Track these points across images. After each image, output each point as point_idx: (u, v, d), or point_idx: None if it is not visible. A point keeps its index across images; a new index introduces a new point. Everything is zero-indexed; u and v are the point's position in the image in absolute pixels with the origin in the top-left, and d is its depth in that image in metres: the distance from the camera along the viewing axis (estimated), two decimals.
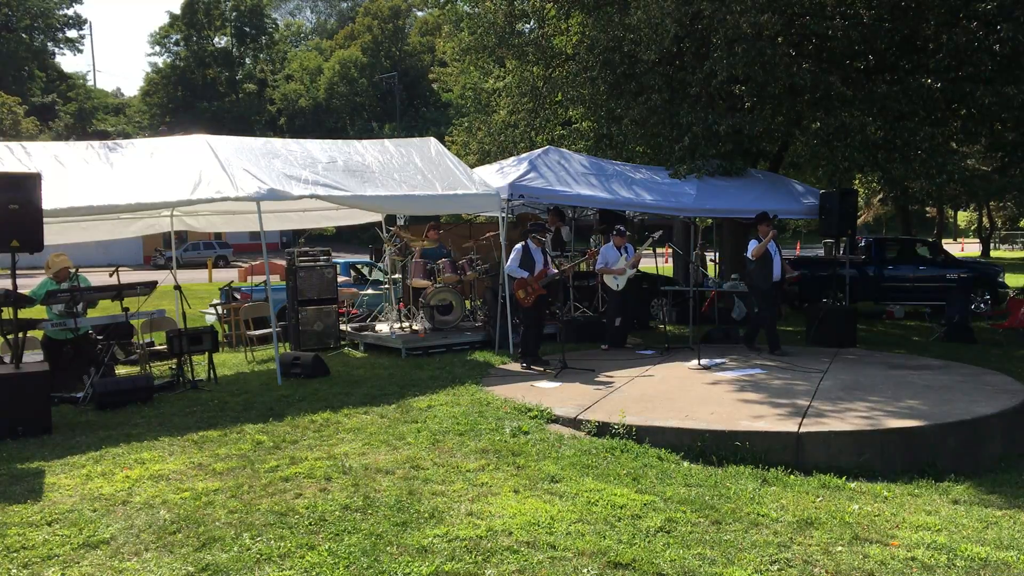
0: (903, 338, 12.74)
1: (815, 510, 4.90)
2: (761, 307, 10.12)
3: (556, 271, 9.56)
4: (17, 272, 7.12)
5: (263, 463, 5.60)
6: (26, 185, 6.80)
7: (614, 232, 10.54)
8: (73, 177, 8.29)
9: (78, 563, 4.00)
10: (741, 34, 10.79)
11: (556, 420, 6.83)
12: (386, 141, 11.41)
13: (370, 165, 10.29)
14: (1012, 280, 19.23)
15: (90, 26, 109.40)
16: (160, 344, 9.72)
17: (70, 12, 68.73)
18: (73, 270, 8.72)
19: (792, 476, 5.72)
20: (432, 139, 11.75)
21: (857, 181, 22.59)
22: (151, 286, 8.53)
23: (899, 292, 15.67)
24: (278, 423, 6.75)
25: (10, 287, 7.02)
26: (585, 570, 3.91)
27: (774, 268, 9.80)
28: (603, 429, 6.48)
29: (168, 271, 10.59)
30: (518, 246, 9.36)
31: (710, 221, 16.56)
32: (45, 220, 6.98)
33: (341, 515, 4.59)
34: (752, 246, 9.85)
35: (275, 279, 13.97)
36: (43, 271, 8.57)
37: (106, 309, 9.45)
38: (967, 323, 12.35)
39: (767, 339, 9.93)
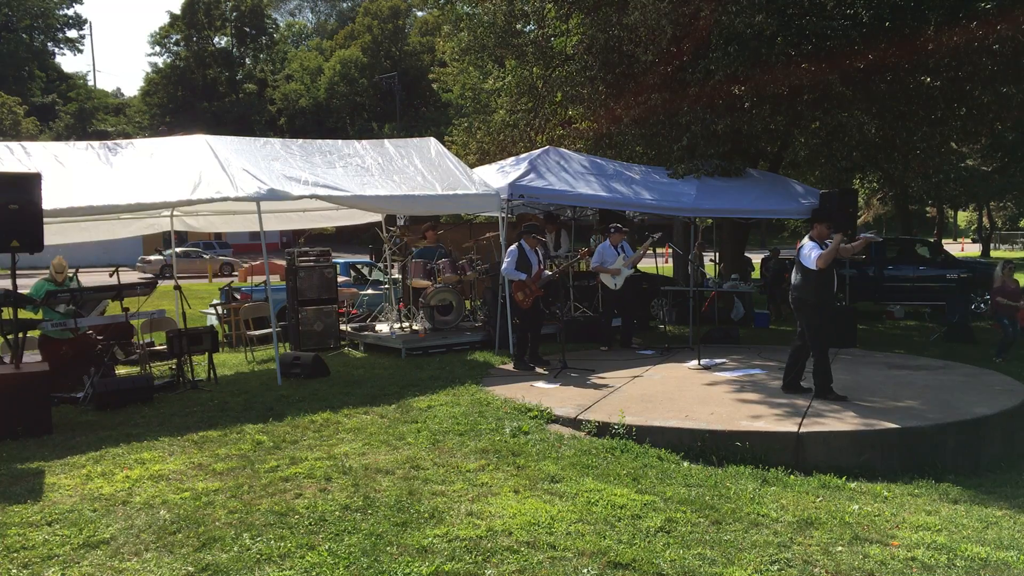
0: (903, 338, 12.73)
1: (815, 510, 4.90)
2: (811, 331, 7.31)
3: (550, 272, 9.58)
4: (17, 272, 7.12)
5: (263, 463, 5.60)
6: (26, 185, 6.81)
7: (611, 230, 10.55)
8: (73, 177, 8.28)
9: (78, 563, 4.00)
10: (737, 34, 10.79)
11: (556, 420, 6.83)
12: (386, 141, 11.40)
13: (370, 166, 10.28)
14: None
15: (90, 26, 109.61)
16: (160, 344, 9.72)
17: (70, 12, 68.92)
18: (71, 272, 8.73)
19: (792, 476, 5.73)
20: (432, 139, 11.75)
21: (857, 181, 22.62)
22: (151, 286, 8.53)
23: (899, 292, 15.68)
24: (278, 423, 6.75)
25: (10, 287, 7.03)
26: (585, 570, 3.91)
27: (835, 279, 7.51)
28: (603, 429, 6.48)
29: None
30: (512, 248, 9.34)
31: (710, 221, 16.57)
32: (45, 220, 6.98)
33: (341, 515, 4.59)
34: (812, 253, 7.20)
35: (275, 279, 13.97)
36: (45, 271, 8.58)
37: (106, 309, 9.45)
38: (967, 323, 12.35)
39: (815, 376, 7.33)
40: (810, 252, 7.23)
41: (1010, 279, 10.85)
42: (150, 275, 30.17)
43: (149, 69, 71.87)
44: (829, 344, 7.53)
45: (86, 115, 61.47)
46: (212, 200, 8.54)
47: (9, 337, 7.18)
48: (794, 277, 7.48)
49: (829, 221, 7.48)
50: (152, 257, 33.47)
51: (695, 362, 9.12)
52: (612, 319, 10.73)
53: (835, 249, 7.12)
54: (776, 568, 4.03)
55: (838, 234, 7.25)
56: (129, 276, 10.98)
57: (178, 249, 34.46)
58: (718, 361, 9.33)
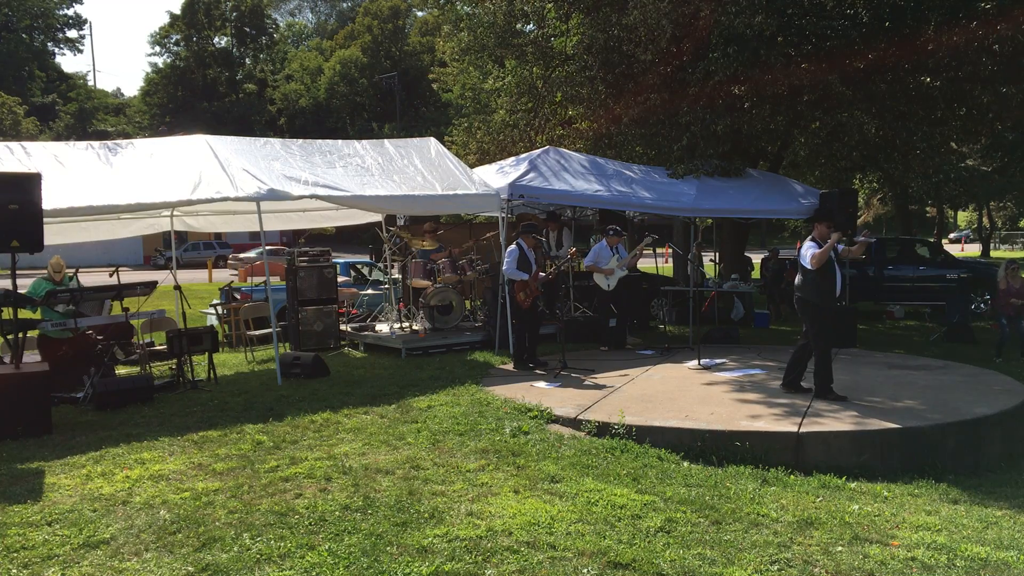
0: (903, 338, 12.73)
1: (815, 510, 4.90)
2: (814, 332, 7.28)
3: (544, 273, 9.61)
4: (17, 272, 7.12)
5: (263, 463, 5.60)
6: (26, 185, 6.81)
7: (609, 232, 10.55)
8: (73, 177, 8.29)
9: (78, 563, 4.00)
10: (737, 35, 10.80)
11: (556, 420, 6.83)
12: (386, 141, 11.40)
13: (370, 166, 10.29)
14: None
15: (90, 26, 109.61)
16: (160, 344, 9.72)
17: (70, 12, 68.88)
18: (71, 272, 8.73)
19: (792, 476, 5.73)
20: (432, 139, 11.75)
21: (857, 181, 22.63)
22: (151, 286, 8.53)
23: (899, 292, 15.68)
24: (278, 423, 6.75)
25: (10, 287, 7.03)
26: (585, 570, 3.91)
27: (837, 280, 7.31)
28: (603, 429, 6.48)
29: (168, 271, 10.57)
30: (512, 248, 9.33)
31: (710, 221, 16.57)
32: (45, 220, 6.98)
33: (341, 515, 4.59)
34: (809, 251, 7.23)
35: (275, 279, 13.97)
36: (44, 271, 8.58)
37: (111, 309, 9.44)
38: (967, 323, 12.35)
39: (815, 376, 7.33)
40: (806, 252, 7.25)
41: (1016, 279, 10.80)
42: (234, 272, 30.37)
43: (149, 69, 71.85)
44: (832, 344, 7.52)
45: (86, 115, 61.45)
46: (212, 200, 8.54)
47: (9, 337, 7.18)
48: (796, 277, 7.51)
49: (829, 221, 7.49)
50: (244, 255, 33.17)
51: (695, 362, 9.12)
52: (609, 319, 10.74)
53: (828, 249, 7.13)
54: (776, 568, 4.03)
55: (836, 233, 7.26)
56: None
57: (269, 247, 34.49)
58: (718, 361, 9.33)
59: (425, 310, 11.06)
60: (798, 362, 7.58)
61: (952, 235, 56.15)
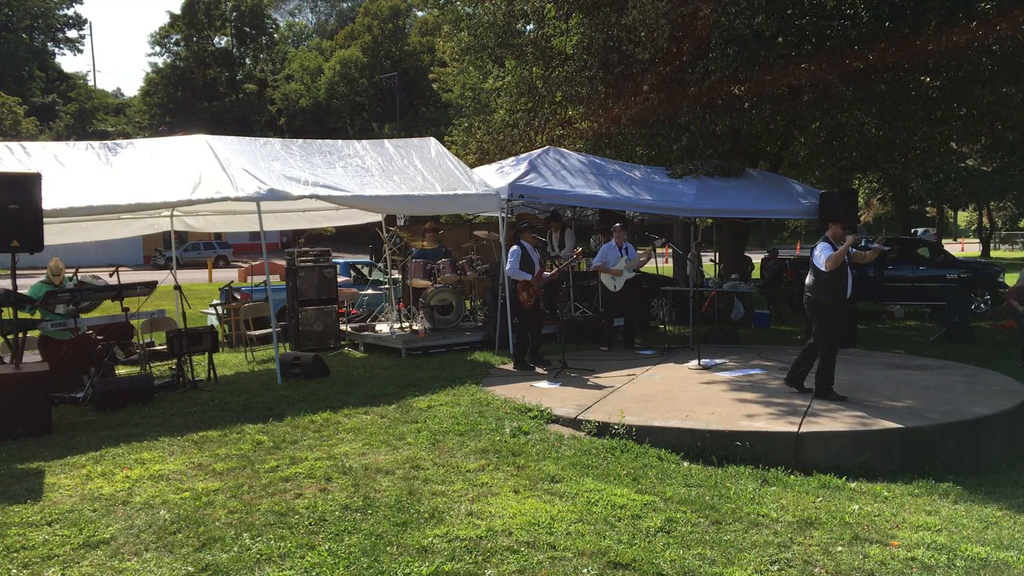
0: (903, 338, 12.74)
1: (815, 510, 4.90)
2: (822, 333, 7.32)
3: (548, 273, 9.60)
4: (17, 272, 7.12)
5: (263, 463, 5.60)
6: (26, 185, 6.81)
7: (614, 228, 10.52)
8: (73, 177, 8.29)
9: (78, 563, 4.00)
10: (736, 35, 10.79)
11: (556, 420, 6.83)
12: (386, 141, 11.40)
13: (370, 166, 10.29)
14: (1012, 280, 19.20)
15: (90, 26, 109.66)
16: (160, 344, 9.72)
17: (70, 12, 68.96)
18: (70, 273, 8.73)
19: (792, 476, 5.73)
20: (432, 139, 11.75)
21: (857, 181, 22.64)
22: (151, 286, 8.53)
23: (899, 292, 15.68)
24: (278, 423, 6.75)
25: (10, 287, 7.03)
26: (585, 570, 3.91)
27: (848, 282, 7.27)
28: (603, 429, 6.48)
29: (168, 271, 10.57)
30: (515, 248, 9.33)
31: (710, 221, 16.56)
32: (45, 220, 6.98)
33: (341, 515, 4.60)
34: (823, 253, 7.17)
35: (275, 279, 13.97)
36: (44, 271, 8.59)
37: (106, 309, 9.45)
38: (967, 323, 12.35)
39: (816, 376, 7.32)
40: (821, 253, 7.23)
41: None
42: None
43: (149, 69, 71.95)
44: (837, 346, 7.51)
45: (86, 115, 61.46)
46: (212, 200, 8.54)
47: (9, 337, 7.18)
48: (808, 278, 7.48)
49: (844, 222, 7.44)
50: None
51: (695, 362, 9.12)
52: (613, 319, 10.74)
53: (844, 251, 7.09)
54: (776, 568, 4.03)
55: (851, 236, 7.22)
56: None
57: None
58: (718, 361, 9.33)
59: (425, 310, 11.06)
60: (804, 360, 7.59)
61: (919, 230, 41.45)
